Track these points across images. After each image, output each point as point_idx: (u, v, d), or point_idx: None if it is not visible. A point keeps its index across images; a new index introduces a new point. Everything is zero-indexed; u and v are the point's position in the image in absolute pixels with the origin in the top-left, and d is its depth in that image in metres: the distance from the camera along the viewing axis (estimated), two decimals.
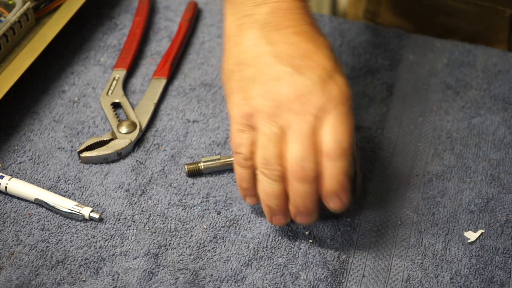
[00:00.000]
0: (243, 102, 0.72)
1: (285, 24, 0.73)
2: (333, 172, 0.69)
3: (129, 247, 0.77)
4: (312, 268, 0.76)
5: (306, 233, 0.79)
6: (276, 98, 0.70)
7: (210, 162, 0.84)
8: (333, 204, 0.71)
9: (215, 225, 0.80)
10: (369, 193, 0.83)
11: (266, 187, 0.71)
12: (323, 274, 0.75)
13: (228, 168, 0.85)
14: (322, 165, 0.69)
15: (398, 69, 0.98)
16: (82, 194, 0.82)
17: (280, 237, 0.78)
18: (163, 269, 0.75)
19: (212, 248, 0.77)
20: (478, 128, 0.91)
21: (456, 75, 0.98)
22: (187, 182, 0.84)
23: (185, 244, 0.78)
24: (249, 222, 0.80)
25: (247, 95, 0.72)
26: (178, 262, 0.76)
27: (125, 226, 0.79)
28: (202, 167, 0.84)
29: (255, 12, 0.74)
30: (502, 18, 1.00)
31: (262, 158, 0.70)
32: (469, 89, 0.96)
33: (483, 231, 0.80)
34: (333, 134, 0.69)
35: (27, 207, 0.81)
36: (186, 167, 0.84)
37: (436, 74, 0.98)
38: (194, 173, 0.84)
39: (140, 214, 0.80)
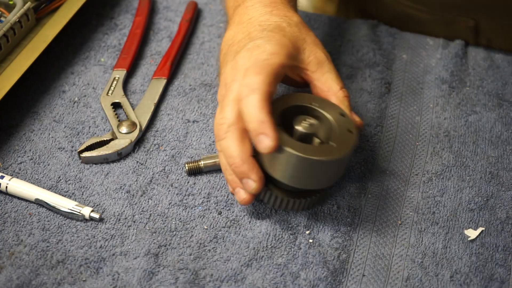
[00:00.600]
0: None
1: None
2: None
3: (129, 247, 0.77)
4: (312, 268, 0.76)
5: (307, 232, 0.79)
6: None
7: (210, 160, 0.84)
8: (261, 144, 0.72)
9: (216, 225, 0.80)
10: (369, 193, 0.83)
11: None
12: (323, 273, 0.75)
13: None
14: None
15: (393, 68, 0.98)
16: (82, 194, 0.82)
17: (280, 237, 0.79)
18: (163, 269, 0.75)
19: (213, 248, 0.78)
20: (475, 126, 0.91)
21: (451, 68, 0.98)
22: (188, 182, 0.84)
23: (185, 244, 0.78)
24: (249, 222, 0.80)
25: None
26: (178, 262, 0.76)
27: (125, 226, 0.79)
28: (202, 165, 0.84)
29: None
30: (467, 27, 1.02)
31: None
32: (464, 86, 0.96)
33: (483, 228, 0.80)
34: None
35: (27, 207, 0.81)
36: (186, 165, 0.84)
37: (431, 70, 0.98)
38: (195, 172, 0.84)
39: (141, 214, 0.80)
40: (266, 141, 0.72)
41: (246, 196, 0.77)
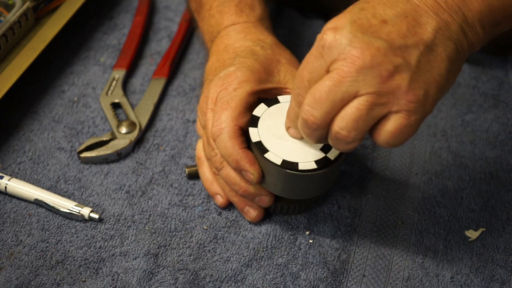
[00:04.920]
0: None
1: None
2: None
3: (129, 247, 0.77)
4: (312, 268, 0.76)
5: (307, 233, 0.79)
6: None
7: None
8: (247, 178, 0.74)
9: (216, 226, 0.79)
10: (369, 193, 0.83)
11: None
12: (323, 274, 0.75)
13: None
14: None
15: None
16: (82, 195, 0.82)
17: (280, 237, 0.78)
18: (163, 269, 0.75)
19: (212, 249, 0.77)
20: (472, 125, 0.91)
21: None
22: (188, 182, 0.84)
23: (185, 244, 0.78)
24: (249, 222, 0.80)
25: None
26: (178, 262, 0.76)
27: (125, 226, 0.79)
28: None
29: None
30: None
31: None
32: (458, 86, 0.96)
33: (484, 229, 0.80)
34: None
35: (26, 207, 0.80)
36: (186, 170, 0.84)
37: None
38: (195, 176, 0.84)
39: (140, 214, 0.80)
40: (249, 175, 0.74)
41: (256, 212, 0.79)
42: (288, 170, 0.72)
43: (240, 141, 0.74)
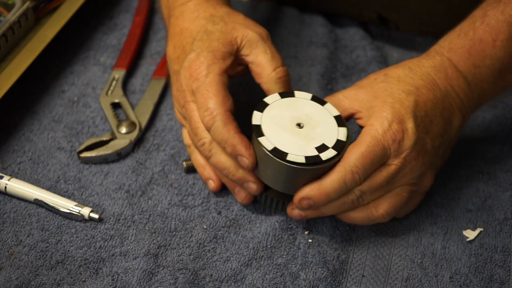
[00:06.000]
0: None
1: None
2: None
3: (129, 247, 0.77)
4: (311, 268, 0.76)
5: (306, 233, 0.79)
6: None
7: None
8: (241, 164, 0.75)
9: (215, 225, 0.80)
10: None
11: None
12: (322, 274, 0.75)
13: None
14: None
15: (385, 66, 0.98)
16: (81, 194, 0.82)
17: (280, 237, 0.79)
18: (163, 269, 0.75)
19: (212, 248, 0.78)
20: (471, 125, 0.91)
21: None
22: (187, 182, 0.84)
23: (185, 244, 0.78)
24: (249, 222, 0.80)
25: None
26: (178, 262, 0.76)
27: (125, 226, 0.79)
28: None
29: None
30: (372, 19, 1.03)
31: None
32: None
33: (482, 229, 0.80)
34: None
35: (26, 207, 0.81)
36: (184, 163, 0.84)
37: None
38: (193, 169, 0.84)
39: (140, 214, 0.80)
40: (244, 160, 0.74)
41: (245, 194, 0.79)
42: (275, 158, 0.72)
43: (234, 125, 0.74)
